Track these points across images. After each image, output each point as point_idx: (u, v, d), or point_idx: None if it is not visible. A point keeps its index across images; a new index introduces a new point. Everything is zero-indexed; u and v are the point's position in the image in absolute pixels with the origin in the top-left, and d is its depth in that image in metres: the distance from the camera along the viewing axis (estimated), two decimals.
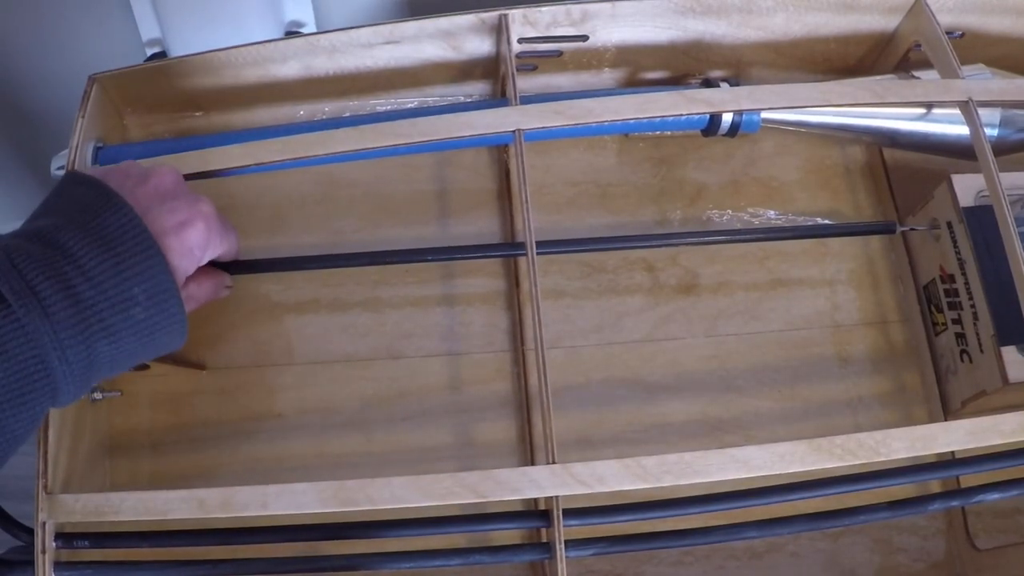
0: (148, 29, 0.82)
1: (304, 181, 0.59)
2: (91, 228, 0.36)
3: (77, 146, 0.49)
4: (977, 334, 0.52)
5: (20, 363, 0.32)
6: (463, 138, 0.47)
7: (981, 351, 0.51)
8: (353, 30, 0.53)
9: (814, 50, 0.60)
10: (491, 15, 0.53)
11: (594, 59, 0.58)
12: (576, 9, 0.53)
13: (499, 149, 0.60)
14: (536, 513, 0.44)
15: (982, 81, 0.52)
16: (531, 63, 0.58)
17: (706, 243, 0.57)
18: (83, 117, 0.50)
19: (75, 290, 0.34)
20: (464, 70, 0.58)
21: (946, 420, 0.55)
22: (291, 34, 0.83)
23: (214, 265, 0.47)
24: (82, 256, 0.35)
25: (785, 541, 0.55)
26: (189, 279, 0.43)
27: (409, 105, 0.60)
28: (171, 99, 0.57)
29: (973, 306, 0.52)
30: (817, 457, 0.42)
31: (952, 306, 0.54)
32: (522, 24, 0.53)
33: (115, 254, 0.35)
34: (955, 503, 0.47)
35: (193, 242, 0.39)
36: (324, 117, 0.60)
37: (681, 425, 0.56)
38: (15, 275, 0.33)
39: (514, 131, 0.47)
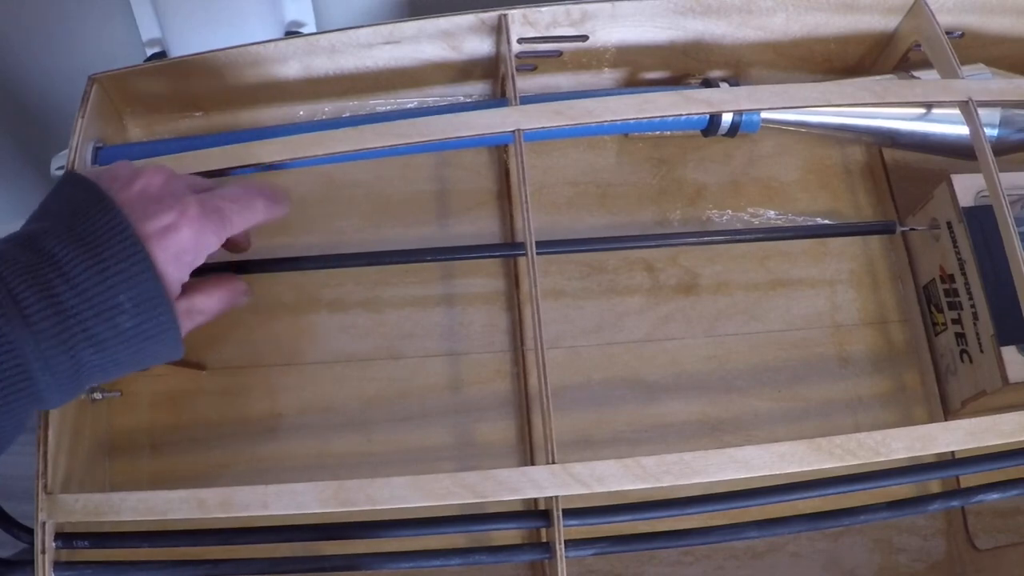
0: (148, 29, 0.83)
1: (304, 181, 0.59)
2: (78, 232, 0.35)
3: (77, 146, 0.49)
4: (977, 334, 0.51)
5: (1, 372, 0.32)
6: (463, 138, 0.47)
7: (981, 351, 0.51)
8: (353, 30, 0.53)
9: (814, 50, 0.60)
10: (491, 15, 0.53)
11: (594, 59, 0.58)
12: (576, 9, 0.53)
13: (499, 149, 0.60)
14: (536, 513, 0.44)
15: (982, 81, 0.52)
16: (531, 63, 0.58)
17: (706, 243, 0.57)
18: (83, 117, 0.50)
19: (58, 298, 0.33)
20: (464, 70, 0.58)
21: (946, 420, 0.55)
22: (291, 34, 0.83)
23: (216, 267, 0.46)
24: (67, 263, 0.34)
25: (785, 541, 0.55)
26: (195, 291, 0.41)
27: (409, 105, 0.60)
28: (171, 99, 0.57)
29: (973, 306, 0.52)
30: (817, 457, 0.42)
31: (952, 306, 0.54)
32: (522, 24, 0.53)
33: (100, 260, 0.35)
34: (955, 503, 0.47)
35: (179, 247, 0.37)
36: (324, 117, 0.60)
37: (681, 425, 0.56)
38: None
39: (514, 131, 0.47)
